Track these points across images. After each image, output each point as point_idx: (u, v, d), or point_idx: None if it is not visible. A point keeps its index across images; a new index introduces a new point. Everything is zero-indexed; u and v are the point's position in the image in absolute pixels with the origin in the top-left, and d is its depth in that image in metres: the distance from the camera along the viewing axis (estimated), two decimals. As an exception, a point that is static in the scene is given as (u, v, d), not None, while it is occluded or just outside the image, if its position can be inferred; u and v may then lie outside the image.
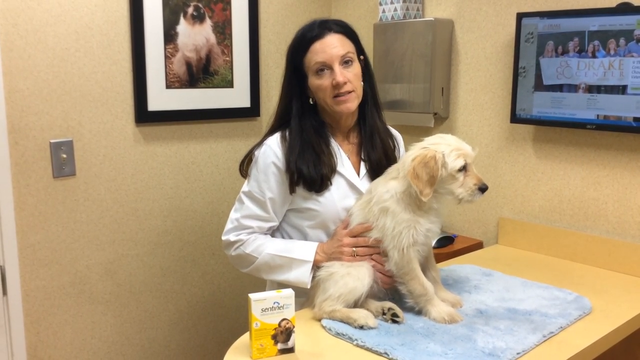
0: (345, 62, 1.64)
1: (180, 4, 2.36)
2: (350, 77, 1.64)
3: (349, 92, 1.64)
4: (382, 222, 1.55)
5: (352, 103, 1.66)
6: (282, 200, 1.70)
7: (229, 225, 1.74)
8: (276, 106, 1.76)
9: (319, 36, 1.64)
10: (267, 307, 1.39)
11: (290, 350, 1.43)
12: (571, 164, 2.17)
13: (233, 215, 1.74)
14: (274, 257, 1.66)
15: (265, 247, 1.68)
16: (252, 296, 1.39)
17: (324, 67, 1.64)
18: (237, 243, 1.72)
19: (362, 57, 1.72)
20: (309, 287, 1.64)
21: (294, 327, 1.42)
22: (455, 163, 1.49)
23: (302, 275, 1.63)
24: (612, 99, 1.96)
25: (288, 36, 2.72)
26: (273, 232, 1.79)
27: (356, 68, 1.67)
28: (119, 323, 2.39)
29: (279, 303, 1.40)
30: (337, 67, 1.62)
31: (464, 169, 1.50)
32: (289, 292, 1.41)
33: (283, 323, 1.40)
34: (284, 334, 1.41)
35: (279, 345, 1.41)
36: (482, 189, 1.52)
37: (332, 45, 1.63)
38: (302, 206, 1.69)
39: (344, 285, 1.55)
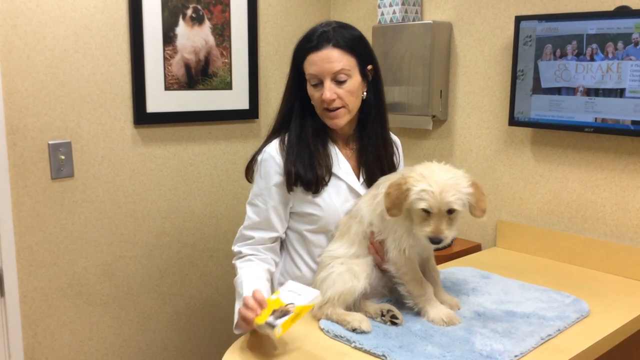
0: (338, 78, 1.61)
1: (179, 6, 2.36)
2: (342, 93, 1.62)
3: (338, 108, 1.63)
4: (384, 224, 1.56)
5: (340, 119, 1.65)
6: (284, 207, 1.70)
7: (236, 235, 1.77)
8: (280, 105, 1.76)
9: (315, 48, 1.61)
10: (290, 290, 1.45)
11: (272, 325, 1.38)
12: (569, 167, 2.17)
13: (241, 226, 1.76)
14: (236, 283, 1.66)
15: (242, 270, 1.67)
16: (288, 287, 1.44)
17: (316, 81, 1.63)
18: (237, 255, 1.75)
19: (370, 66, 1.69)
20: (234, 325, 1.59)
21: (291, 312, 1.40)
22: (417, 202, 1.44)
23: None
24: (610, 102, 1.96)
25: (287, 38, 2.75)
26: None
27: (350, 84, 1.63)
28: (116, 325, 2.39)
29: (297, 291, 1.44)
30: (327, 83, 1.61)
31: (427, 212, 1.45)
32: (315, 293, 1.44)
33: (290, 307, 1.40)
34: (281, 311, 1.40)
35: (270, 318, 1.39)
36: (433, 240, 1.44)
37: (327, 60, 1.60)
38: (302, 210, 1.69)
39: (341, 285, 1.55)
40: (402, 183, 1.47)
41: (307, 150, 1.66)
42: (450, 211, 1.45)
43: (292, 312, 1.40)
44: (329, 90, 1.60)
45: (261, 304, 1.42)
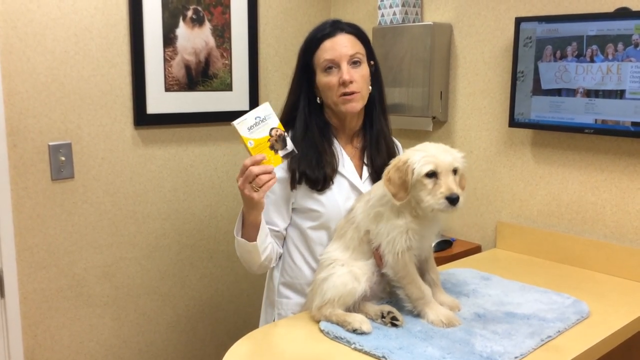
0: (354, 62, 1.66)
1: (180, 7, 2.36)
2: (357, 77, 1.66)
3: (355, 92, 1.66)
4: (378, 227, 1.56)
5: (357, 103, 1.68)
6: (285, 202, 1.71)
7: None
8: (284, 103, 1.77)
9: (330, 35, 1.67)
10: (251, 124, 1.46)
11: (292, 152, 1.51)
12: (569, 169, 2.17)
13: None
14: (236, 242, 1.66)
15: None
16: (234, 122, 1.45)
17: (332, 65, 1.66)
18: None
19: (372, 62, 1.74)
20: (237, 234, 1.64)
21: (284, 132, 1.49)
22: (421, 168, 1.45)
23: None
24: (610, 103, 1.96)
25: (287, 40, 2.75)
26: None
27: (364, 70, 1.68)
28: (116, 326, 2.39)
29: (260, 117, 1.46)
30: (344, 66, 1.65)
31: (433, 175, 1.46)
32: (265, 105, 1.49)
33: (273, 132, 1.47)
34: (279, 141, 1.48)
35: (280, 153, 1.49)
36: (450, 198, 1.43)
37: (342, 44, 1.66)
38: (305, 206, 1.70)
39: (342, 286, 1.54)
40: (398, 163, 1.51)
41: (314, 149, 1.68)
42: (454, 171, 1.48)
43: (284, 131, 1.50)
44: (347, 73, 1.64)
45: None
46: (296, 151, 1.54)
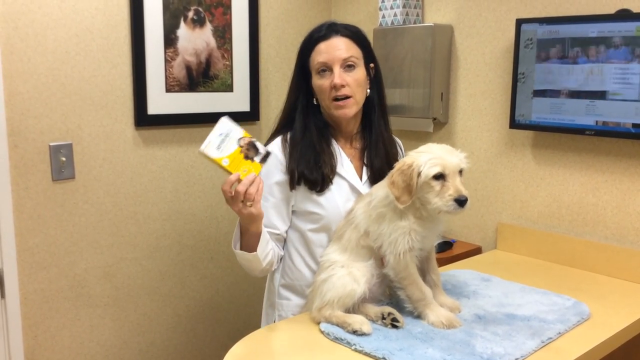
0: (348, 65, 1.64)
1: (181, 8, 2.37)
2: (350, 81, 1.64)
3: (347, 97, 1.64)
4: (380, 228, 1.56)
5: (349, 109, 1.66)
6: (285, 204, 1.70)
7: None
8: (283, 103, 1.77)
9: (324, 37, 1.66)
10: (217, 143, 1.45)
11: (268, 154, 1.50)
12: (570, 170, 2.17)
13: None
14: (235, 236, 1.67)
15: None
16: (200, 149, 1.44)
17: (325, 68, 1.65)
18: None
19: (372, 64, 1.73)
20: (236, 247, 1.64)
21: (252, 137, 1.48)
22: (429, 170, 1.46)
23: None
24: (611, 105, 1.96)
25: (288, 41, 2.76)
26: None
27: (358, 74, 1.66)
28: (117, 327, 2.39)
29: (223, 133, 1.46)
30: (336, 69, 1.63)
31: (441, 177, 1.46)
32: (222, 120, 1.48)
33: (242, 142, 1.47)
34: (250, 149, 1.47)
35: (256, 159, 1.48)
36: (458, 200, 1.44)
37: (336, 48, 1.64)
38: (304, 208, 1.69)
39: (341, 288, 1.55)
40: (403, 167, 1.50)
41: (312, 150, 1.67)
42: (460, 172, 1.49)
43: (251, 137, 1.49)
44: (339, 77, 1.62)
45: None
46: (270, 151, 1.53)
